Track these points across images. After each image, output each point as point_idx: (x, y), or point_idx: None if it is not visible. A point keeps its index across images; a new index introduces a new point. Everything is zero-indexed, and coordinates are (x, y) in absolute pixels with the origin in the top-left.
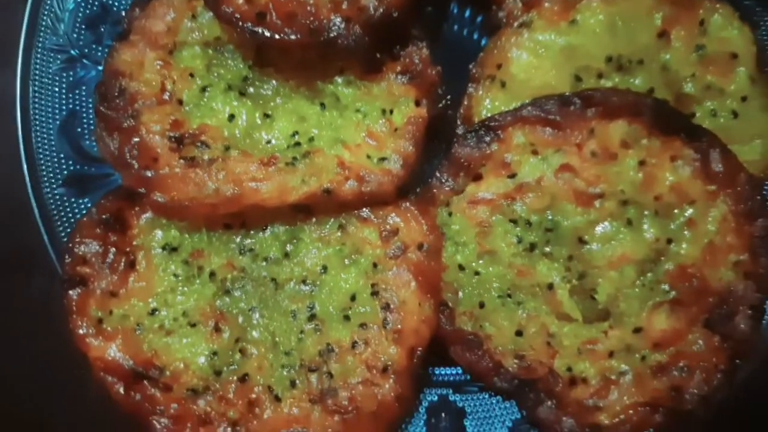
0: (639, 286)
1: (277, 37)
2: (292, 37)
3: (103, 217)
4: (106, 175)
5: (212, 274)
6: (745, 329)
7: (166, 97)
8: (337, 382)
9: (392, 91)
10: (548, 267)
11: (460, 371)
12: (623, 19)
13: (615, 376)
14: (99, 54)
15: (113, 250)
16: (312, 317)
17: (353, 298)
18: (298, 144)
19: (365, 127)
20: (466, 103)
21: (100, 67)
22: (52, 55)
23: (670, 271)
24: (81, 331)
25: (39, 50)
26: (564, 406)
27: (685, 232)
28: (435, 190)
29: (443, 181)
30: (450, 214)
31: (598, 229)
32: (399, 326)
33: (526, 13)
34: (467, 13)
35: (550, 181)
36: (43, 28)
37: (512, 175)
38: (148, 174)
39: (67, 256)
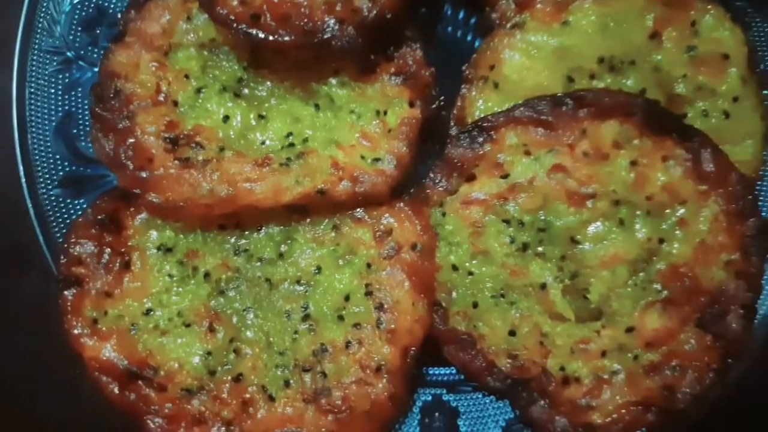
0: (631, 285)
1: (271, 38)
2: (287, 38)
3: (99, 217)
4: (101, 176)
5: (207, 275)
6: (736, 329)
7: (161, 98)
8: (331, 382)
9: (386, 92)
10: (541, 267)
11: (453, 371)
12: (615, 20)
13: (607, 376)
14: (95, 56)
15: (108, 250)
16: (306, 317)
17: (347, 298)
18: (292, 145)
19: (359, 128)
20: (459, 104)
21: (96, 69)
22: (48, 56)
23: (662, 271)
24: (76, 331)
25: (35, 52)
26: (557, 406)
27: (677, 232)
28: (428, 191)
29: (437, 181)
30: (443, 214)
31: (591, 229)
32: (393, 326)
33: (518, 15)
34: (461, 15)
35: (543, 181)
36: (39, 30)
37: (505, 176)
38: (143, 175)
39: (62, 257)
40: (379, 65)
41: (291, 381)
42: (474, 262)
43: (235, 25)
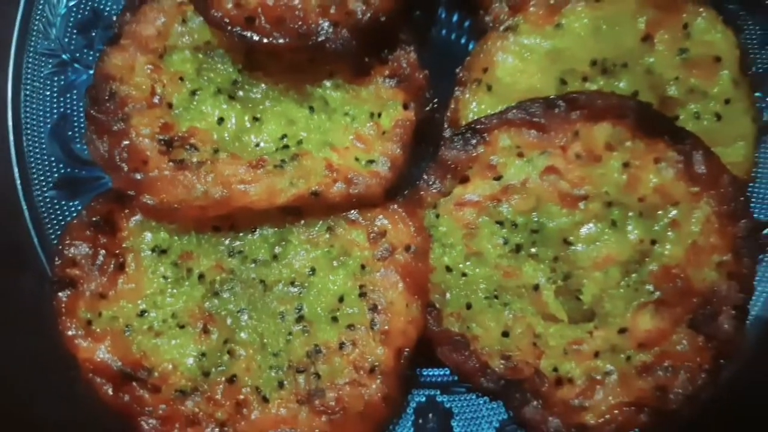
0: (624, 286)
1: (265, 41)
2: (281, 41)
3: (93, 219)
4: (96, 178)
5: (201, 276)
6: (728, 329)
7: (155, 100)
8: (325, 383)
9: (380, 95)
10: (534, 268)
11: (447, 372)
12: (608, 23)
13: (600, 376)
14: (90, 58)
15: (103, 252)
16: (300, 318)
17: (341, 299)
18: (286, 147)
19: (353, 130)
20: (453, 106)
21: (91, 71)
22: (43, 59)
23: (654, 272)
24: (70, 333)
25: (31, 54)
26: (550, 406)
27: (669, 233)
28: (422, 193)
29: (430, 183)
30: (437, 216)
31: (583, 230)
32: (386, 327)
33: (511, 18)
34: (455, 18)
35: (536, 183)
36: (34, 33)
37: (498, 177)
38: (138, 176)
39: (56, 258)
40: (374, 68)
41: (285, 382)
42: (467, 263)
43: (229, 27)
